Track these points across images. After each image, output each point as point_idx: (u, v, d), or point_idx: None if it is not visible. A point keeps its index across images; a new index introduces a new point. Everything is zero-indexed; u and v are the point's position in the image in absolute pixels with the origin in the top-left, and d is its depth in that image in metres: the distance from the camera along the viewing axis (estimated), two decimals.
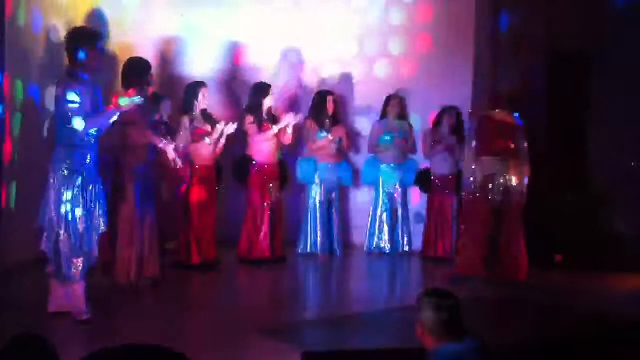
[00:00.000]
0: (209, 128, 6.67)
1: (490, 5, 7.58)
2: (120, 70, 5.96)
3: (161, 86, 7.19)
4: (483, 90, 7.64)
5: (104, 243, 5.66)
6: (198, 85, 6.76)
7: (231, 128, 6.70)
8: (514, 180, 6.36)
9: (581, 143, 7.74)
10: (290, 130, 7.10)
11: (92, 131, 4.86)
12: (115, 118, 4.92)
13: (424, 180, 7.56)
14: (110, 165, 5.66)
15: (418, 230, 7.71)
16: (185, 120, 6.60)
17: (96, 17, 7.10)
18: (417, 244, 7.68)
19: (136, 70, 5.84)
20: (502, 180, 6.35)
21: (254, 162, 7.02)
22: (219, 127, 6.63)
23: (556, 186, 7.10)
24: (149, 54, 6.86)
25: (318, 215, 7.43)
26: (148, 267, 5.81)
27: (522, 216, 6.41)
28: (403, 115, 7.75)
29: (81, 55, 4.81)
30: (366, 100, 8.13)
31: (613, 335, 4.52)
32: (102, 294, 5.42)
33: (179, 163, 6.10)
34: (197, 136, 6.61)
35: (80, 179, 4.78)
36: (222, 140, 6.73)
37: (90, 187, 4.85)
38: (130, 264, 5.70)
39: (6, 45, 5.84)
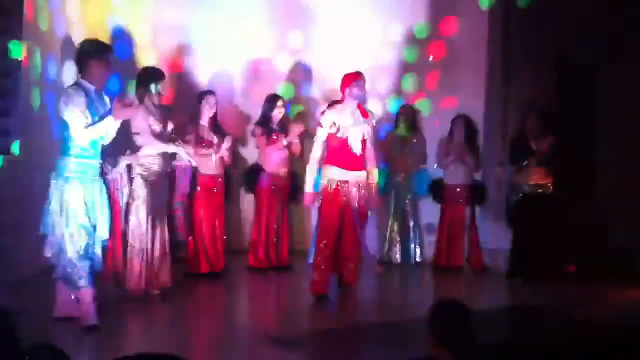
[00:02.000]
0: (214, 139, 6.70)
1: (502, 19, 7.59)
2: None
3: (174, 97, 7.25)
4: (495, 101, 7.67)
5: (116, 252, 5.71)
6: (205, 94, 6.80)
7: (228, 144, 6.71)
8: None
9: (592, 154, 7.74)
10: (297, 141, 7.13)
11: (100, 139, 4.92)
12: (116, 125, 4.95)
13: (436, 190, 7.56)
14: (126, 174, 5.73)
15: (430, 241, 7.71)
16: (190, 132, 6.64)
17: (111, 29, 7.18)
18: (429, 254, 7.68)
19: (148, 79, 5.90)
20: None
21: (265, 173, 7.06)
22: (226, 143, 6.65)
23: (567, 197, 7.08)
24: (161, 63, 6.91)
25: None
26: (159, 276, 5.84)
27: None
28: (414, 126, 7.76)
29: (90, 67, 4.87)
30: (381, 111, 8.14)
31: (623, 345, 4.51)
32: (113, 303, 5.45)
33: (194, 162, 6.14)
34: (202, 147, 6.64)
35: (82, 187, 4.81)
36: (227, 154, 6.76)
37: (94, 195, 4.88)
38: (141, 273, 5.73)
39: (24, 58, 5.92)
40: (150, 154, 5.77)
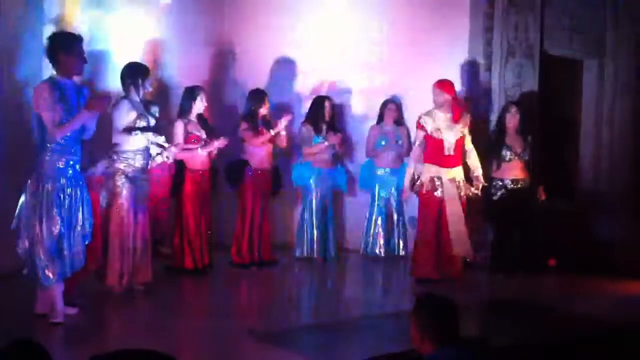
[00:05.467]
0: (202, 134, 6.67)
1: (484, 9, 7.60)
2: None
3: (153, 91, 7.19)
4: (478, 94, 7.68)
5: (96, 248, 5.67)
6: (195, 89, 6.76)
7: (222, 143, 6.69)
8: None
9: (574, 147, 7.78)
10: (284, 132, 7.12)
11: (78, 134, 4.88)
12: (94, 119, 4.91)
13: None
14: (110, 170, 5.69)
15: (413, 235, 7.71)
16: (179, 125, 6.61)
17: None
18: (412, 248, 7.68)
19: (132, 74, 5.85)
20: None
21: (249, 167, 7.04)
22: (216, 143, 6.63)
23: (549, 190, 7.12)
24: (141, 58, 6.87)
25: (314, 219, 7.44)
26: (140, 273, 5.81)
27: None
28: (399, 120, 7.77)
29: (61, 60, 4.81)
30: (364, 106, 8.15)
31: (604, 338, 4.55)
32: (95, 300, 5.42)
33: (169, 159, 6.12)
34: (190, 142, 6.61)
35: (55, 183, 4.76)
36: (215, 151, 6.74)
37: (70, 192, 4.83)
38: (122, 270, 5.70)
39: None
40: (131, 149, 5.73)
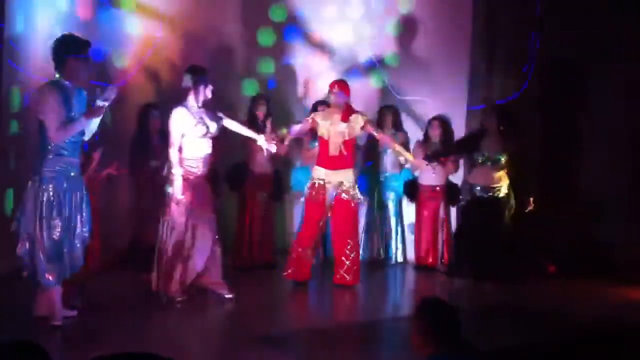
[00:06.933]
0: None
1: (485, 14, 7.61)
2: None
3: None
4: (478, 100, 7.68)
5: (95, 249, 5.67)
6: None
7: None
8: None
9: (574, 152, 7.77)
10: (286, 142, 7.13)
11: (79, 137, 4.89)
12: (96, 121, 4.93)
13: (410, 190, 7.56)
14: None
15: (412, 240, 7.71)
16: None
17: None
18: (411, 253, 7.69)
19: (197, 80, 5.70)
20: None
21: (249, 170, 7.05)
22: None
23: (549, 196, 7.10)
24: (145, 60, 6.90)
25: None
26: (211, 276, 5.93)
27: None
28: (397, 126, 7.74)
29: (67, 63, 4.81)
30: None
31: (604, 340, 4.55)
32: (94, 302, 5.41)
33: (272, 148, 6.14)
34: None
35: (56, 185, 4.78)
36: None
37: (70, 194, 4.85)
38: (182, 278, 5.73)
39: (3, 53, 5.85)
40: (194, 157, 5.67)
